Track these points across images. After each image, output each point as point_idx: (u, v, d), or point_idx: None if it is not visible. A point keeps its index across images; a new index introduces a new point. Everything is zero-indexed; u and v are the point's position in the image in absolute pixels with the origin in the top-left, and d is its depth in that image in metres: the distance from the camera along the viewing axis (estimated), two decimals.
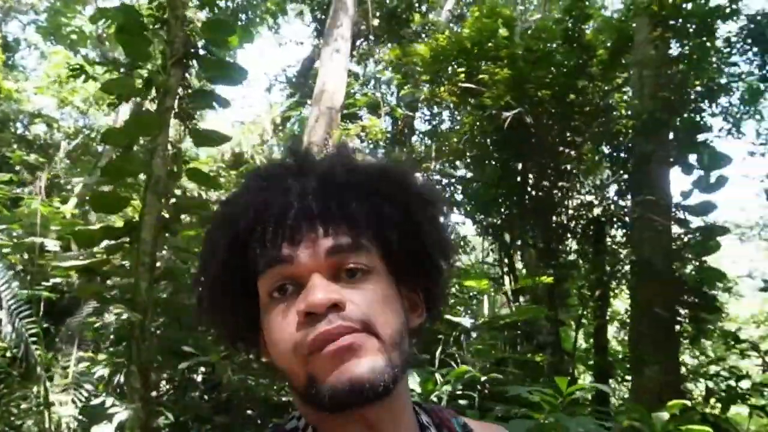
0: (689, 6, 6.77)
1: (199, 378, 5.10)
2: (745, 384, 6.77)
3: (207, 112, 11.29)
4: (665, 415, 2.39)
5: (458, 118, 8.24)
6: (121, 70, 4.19)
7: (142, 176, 3.63)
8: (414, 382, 3.31)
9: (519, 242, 8.23)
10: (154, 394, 4.05)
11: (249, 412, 4.54)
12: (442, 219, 0.78)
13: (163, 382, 4.95)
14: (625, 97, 8.16)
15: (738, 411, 7.41)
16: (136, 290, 3.32)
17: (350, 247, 0.68)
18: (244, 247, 0.69)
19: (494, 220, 8.15)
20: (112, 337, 4.75)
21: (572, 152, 7.12)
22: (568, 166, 7.27)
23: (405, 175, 0.76)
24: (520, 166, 7.43)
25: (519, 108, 6.31)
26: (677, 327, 7.13)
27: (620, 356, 9.13)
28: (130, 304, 3.32)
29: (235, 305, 0.73)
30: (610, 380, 8.27)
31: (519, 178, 7.58)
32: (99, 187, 3.54)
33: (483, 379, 3.01)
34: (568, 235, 8.08)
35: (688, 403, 3.08)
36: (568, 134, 7.04)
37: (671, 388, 6.20)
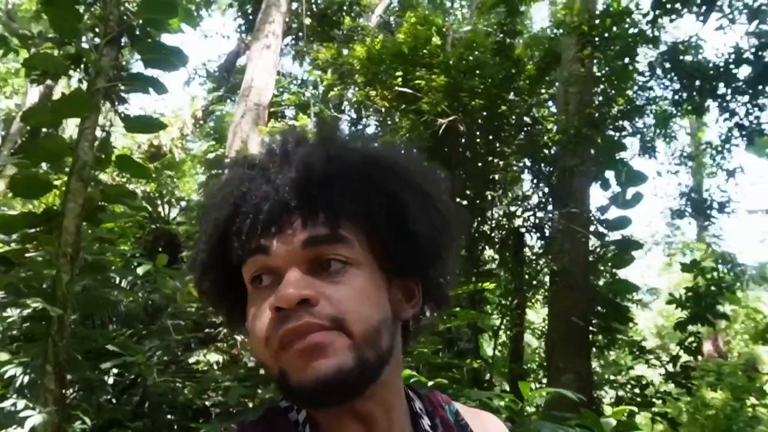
0: (615, 29, 7.07)
1: (111, 380, 4.79)
2: (649, 392, 7.14)
3: None
4: (612, 422, 2.48)
5: (388, 122, 8.24)
6: (45, 45, 3.87)
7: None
8: None
9: None
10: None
11: (169, 416, 4.30)
12: (441, 204, 0.74)
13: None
14: (549, 111, 8.46)
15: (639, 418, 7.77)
16: (57, 283, 3.06)
17: (327, 238, 0.66)
18: (226, 237, 0.69)
19: None
20: (15, 332, 4.39)
21: (499, 162, 7.27)
22: (495, 176, 7.41)
23: (394, 161, 0.73)
24: (450, 173, 7.49)
25: (454, 116, 6.38)
26: (590, 336, 7.41)
27: (536, 364, 9.39)
28: (50, 298, 3.05)
29: (224, 292, 0.74)
30: None
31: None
32: (20, 169, 3.24)
33: (430, 384, 2.98)
34: (489, 244, 8.25)
35: (635, 408, 3.17)
36: (497, 144, 7.19)
37: (584, 395, 6.42)
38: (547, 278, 7.83)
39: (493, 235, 8.00)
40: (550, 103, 8.66)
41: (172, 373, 4.44)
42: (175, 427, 4.45)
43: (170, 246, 6.60)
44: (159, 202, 8.43)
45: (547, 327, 8.14)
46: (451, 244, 0.75)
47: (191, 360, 4.38)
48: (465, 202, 7.63)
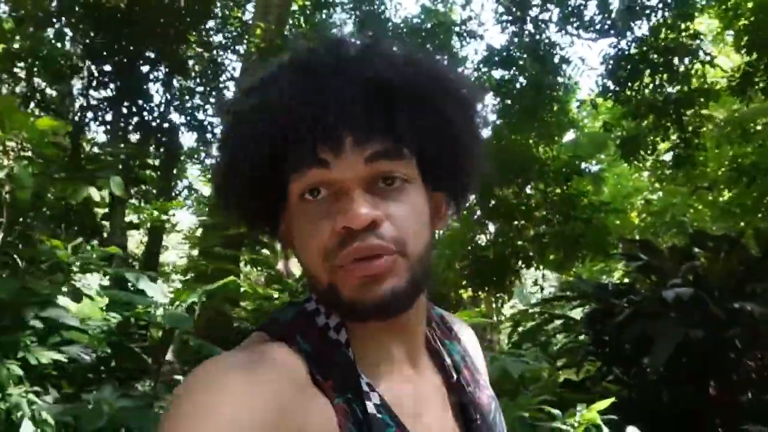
0: None
1: None
2: None
3: None
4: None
5: None
6: None
7: None
8: None
9: None
10: None
11: None
12: (479, 117, 0.75)
13: None
14: None
15: None
16: None
17: (391, 153, 0.66)
18: (280, 145, 0.66)
19: None
20: None
21: None
22: None
23: (442, 74, 0.72)
24: None
25: None
26: None
27: None
28: None
29: (260, 196, 0.72)
30: None
31: None
32: None
33: None
34: None
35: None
36: None
37: None
38: None
39: None
40: None
41: None
42: None
43: None
44: None
45: None
46: (483, 160, 0.76)
47: None
48: None
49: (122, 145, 8.59)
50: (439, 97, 0.69)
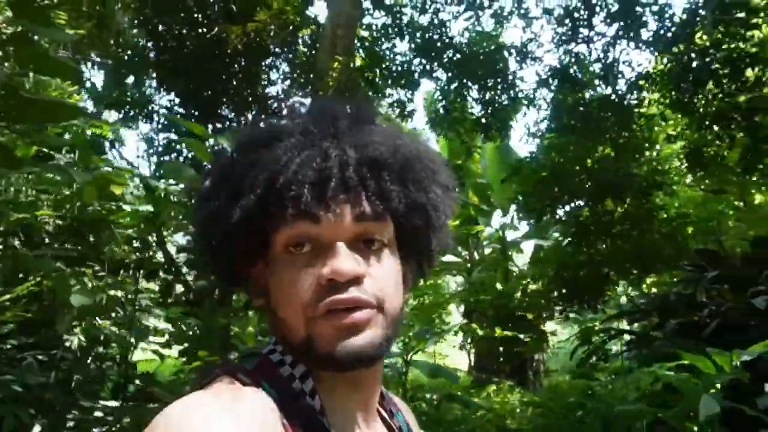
0: None
1: None
2: None
3: None
4: None
5: None
6: None
7: None
8: None
9: None
10: None
11: None
12: (454, 196, 0.83)
13: None
14: None
15: None
16: None
17: (375, 217, 0.72)
18: (275, 192, 0.71)
19: None
20: None
21: None
22: None
23: (436, 163, 0.81)
24: None
25: None
26: None
27: None
28: None
29: (243, 249, 0.75)
30: None
31: None
32: None
33: None
34: None
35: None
36: None
37: None
38: None
39: None
40: None
41: None
42: None
43: None
44: None
45: None
46: (449, 238, 0.84)
47: None
48: None
49: None
50: (422, 172, 0.77)
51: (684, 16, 8.41)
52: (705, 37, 8.09)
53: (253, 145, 0.76)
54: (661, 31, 8.68)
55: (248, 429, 0.62)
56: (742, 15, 7.69)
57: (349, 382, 0.75)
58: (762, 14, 7.66)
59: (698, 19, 8.16)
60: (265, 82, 8.60)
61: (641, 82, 9.10)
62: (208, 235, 0.77)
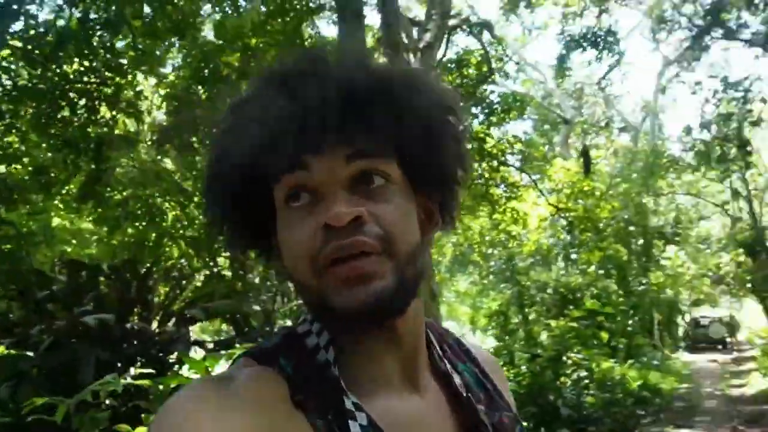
0: None
1: None
2: None
3: None
4: None
5: None
6: None
7: None
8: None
9: None
10: None
11: None
12: (459, 119, 0.75)
13: None
14: None
15: None
16: None
17: (370, 152, 0.66)
18: (260, 152, 0.66)
19: None
20: None
21: None
22: None
23: (427, 83, 0.74)
24: None
25: None
26: None
27: None
28: None
29: (247, 212, 0.72)
30: None
31: None
32: None
33: None
34: None
35: None
36: None
37: None
38: None
39: None
40: None
41: None
42: None
43: None
44: None
45: None
46: (469, 166, 0.77)
47: None
48: None
49: None
50: (415, 98, 0.69)
51: None
52: None
53: (235, 107, 0.72)
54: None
55: (232, 412, 0.59)
56: None
57: (378, 343, 0.70)
58: None
59: None
60: None
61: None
62: (215, 203, 0.73)
